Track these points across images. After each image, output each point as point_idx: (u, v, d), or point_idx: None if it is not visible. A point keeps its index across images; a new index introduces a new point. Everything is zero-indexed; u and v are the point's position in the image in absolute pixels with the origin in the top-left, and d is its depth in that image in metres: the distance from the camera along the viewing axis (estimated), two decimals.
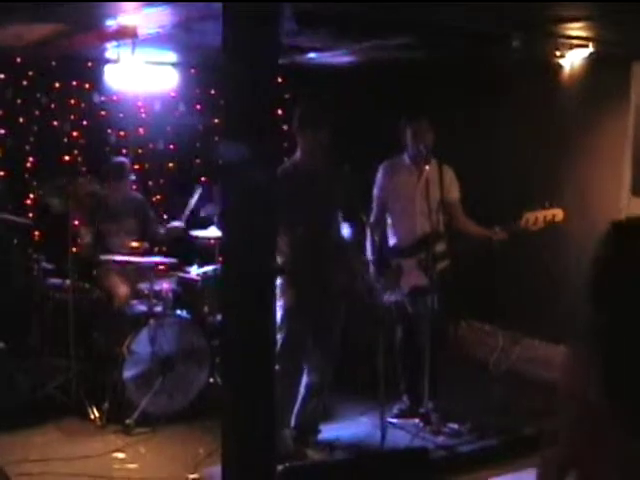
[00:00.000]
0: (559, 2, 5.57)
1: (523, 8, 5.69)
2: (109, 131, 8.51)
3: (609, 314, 2.45)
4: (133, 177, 7.68)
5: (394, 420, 6.50)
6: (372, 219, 6.48)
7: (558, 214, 6.29)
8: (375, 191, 6.62)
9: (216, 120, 8.79)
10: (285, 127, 7.44)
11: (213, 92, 8.84)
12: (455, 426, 6.38)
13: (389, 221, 6.62)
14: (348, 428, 6.54)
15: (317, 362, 6.06)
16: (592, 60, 7.15)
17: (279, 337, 5.56)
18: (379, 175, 6.64)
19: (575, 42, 6.91)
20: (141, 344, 6.64)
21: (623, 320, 2.42)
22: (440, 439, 6.23)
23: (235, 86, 4.41)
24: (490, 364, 7.93)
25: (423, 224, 6.37)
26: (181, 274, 7.45)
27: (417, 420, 6.39)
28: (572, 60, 7.30)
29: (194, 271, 7.37)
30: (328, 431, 6.33)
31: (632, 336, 2.40)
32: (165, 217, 8.55)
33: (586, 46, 6.96)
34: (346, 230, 6.18)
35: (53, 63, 8.08)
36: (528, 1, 5.45)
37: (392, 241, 6.59)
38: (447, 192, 6.38)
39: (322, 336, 6.03)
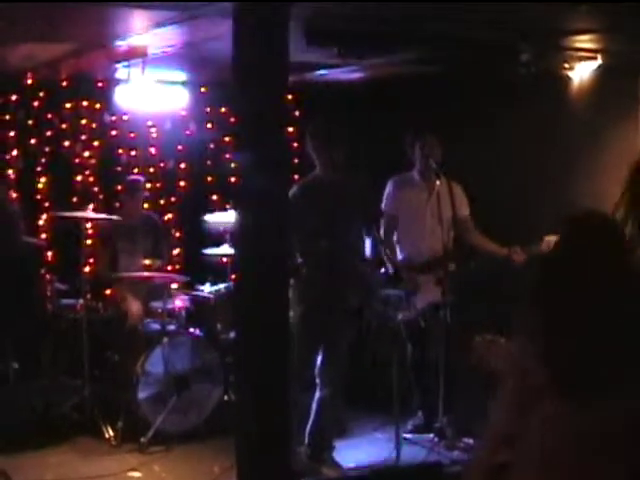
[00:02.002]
0: (567, 15, 5.58)
1: (532, 21, 5.70)
2: (120, 151, 8.53)
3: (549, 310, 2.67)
4: (147, 194, 7.71)
5: (409, 435, 6.48)
6: (382, 234, 6.47)
7: None
8: (384, 206, 6.62)
9: (227, 138, 8.82)
10: (295, 144, 7.46)
11: (223, 110, 8.87)
12: (470, 440, 6.35)
13: (396, 236, 6.62)
14: (363, 444, 6.53)
15: (327, 376, 6.05)
16: (601, 72, 7.14)
17: None
18: (388, 190, 6.64)
19: (584, 54, 6.92)
20: (155, 363, 6.63)
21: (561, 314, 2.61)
22: (455, 454, 6.20)
23: (245, 104, 4.43)
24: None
25: (432, 241, 6.36)
26: (194, 292, 7.46)
27: (432, 435, 6.36)
28: (581, 73, 7.30)
29: (207, 289, 7.38)
30: (343, 447, 6.30)
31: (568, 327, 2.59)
32: (177, 236, 8.60)
33: (595, 58, 6.96)
34: (367, 246, 6.19)
35: (64, 83, 8.12)
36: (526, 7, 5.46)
37: (400, 256, 6.58)
38: (458, 209, 6.38)
39: (332, 351, 6.02)
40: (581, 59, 7.07)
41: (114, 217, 7.30)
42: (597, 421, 2.51)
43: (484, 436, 2.94)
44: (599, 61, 6.99)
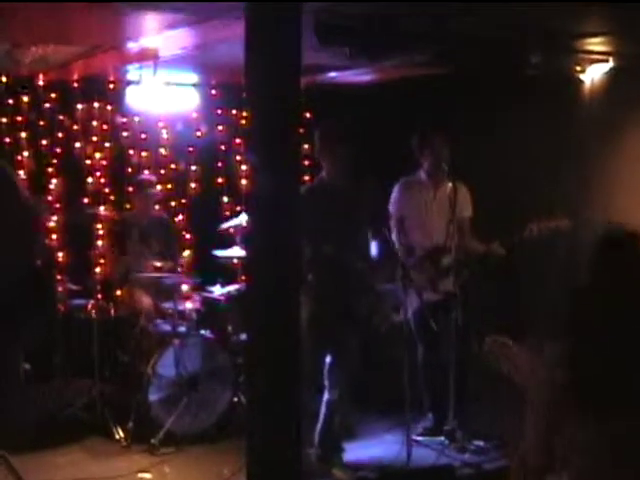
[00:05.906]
0: (579, 17, 5.58)
1: (542, 23, 5.69)
2: (131, 152, 8.53)
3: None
4: (158, 195, 7.73)
5: (419, 438, 6.47)
6: (394, 238, 6.47)
7: (563, 223, 6.25)
8: (392, 209, 6.61)
9: (238, 140, 8.82)
10: (306, 146, 7.46)
11: (234, 112, 8.87)
12: (481, 443, 6.35)
13: (404, 238, 6.61)
14: (373, 446, 6.51)
15: (335, 379, 6.05)
16: (613, 74, 7.13)
17: None
18: (395, 193, 6.64)
19: (595, 57, 6.90)
20: (165, 364, 6.64)
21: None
22: (466, 456, 6.20)
23: (257, 106, 4.43)
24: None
25: (439, 240, 6.36)
26: (205, 294, 7.47)
27: (442, 438, 6.36)
28: (593, 75, 7.29)
29: (217, 291, 7.38)
30: (353, 450, 6.30)
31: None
32: (188, 237, 8.60)
33: (606, 61, 6.95)
34: (374, 249, 6.18)
35: (75, 85, 8.13)
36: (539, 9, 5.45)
37: (411, 258, 6.58)
38: (460, 210, 6.38)
39: (340, 354, 6.02)
40: (593, 61, 7.06)
41: (127, 215, 7.32)
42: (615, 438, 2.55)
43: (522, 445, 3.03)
44: (611, 63, 6.98)
